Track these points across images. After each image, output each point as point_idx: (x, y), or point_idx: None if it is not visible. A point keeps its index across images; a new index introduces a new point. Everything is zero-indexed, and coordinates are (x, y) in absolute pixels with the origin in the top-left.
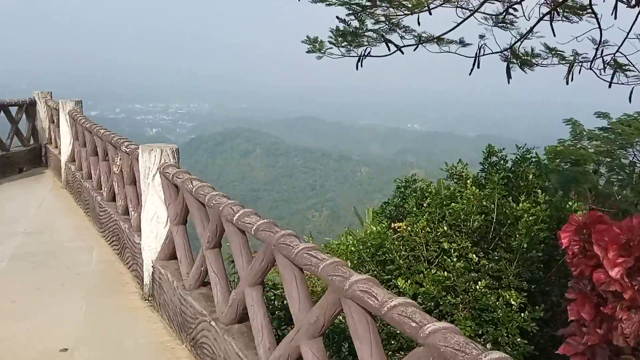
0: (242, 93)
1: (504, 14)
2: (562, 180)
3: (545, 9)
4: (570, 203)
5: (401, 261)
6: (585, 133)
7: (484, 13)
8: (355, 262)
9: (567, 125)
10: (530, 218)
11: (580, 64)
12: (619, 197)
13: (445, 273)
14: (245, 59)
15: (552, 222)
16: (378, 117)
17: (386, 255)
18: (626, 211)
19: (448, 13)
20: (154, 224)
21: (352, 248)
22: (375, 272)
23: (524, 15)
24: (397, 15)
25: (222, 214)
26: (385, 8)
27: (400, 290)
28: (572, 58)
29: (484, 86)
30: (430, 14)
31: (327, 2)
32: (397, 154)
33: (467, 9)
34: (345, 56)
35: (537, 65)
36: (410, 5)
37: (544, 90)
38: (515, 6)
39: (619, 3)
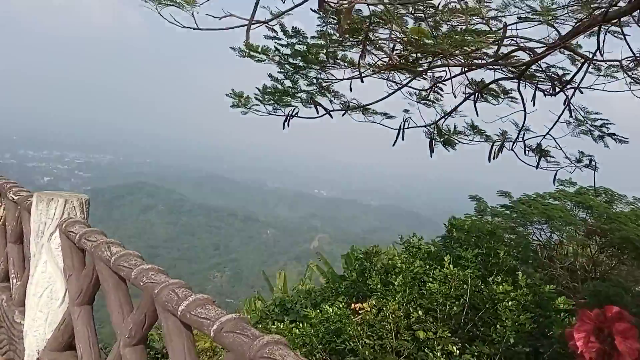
0: (150, 147)
1: (429, 91)
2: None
3: (470, 90)
4: (546, 287)
5: (367, 353)
6: (489, 209)
7: (411, 87)
8: (303, 350)
9: (472, 202)
10: (511, 303)
11: (500, 144)
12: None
13: None
14: (159, 114)
15: (535, 309)
16: (286, 181)
17: (346, 344)
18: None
19: (378, 84)
20: (45, 300)
21: (297, 331)
22: None
23: (452, 92)
24: (328, 80)
25: (159, 299)
26: (318, 72)
27: None
28: (496, 138)
29: (392, 159)
30: (362, 81)
31: (258, 59)
32: (303, 217)
33: (396, 82)
34: (271, 114)
35: (457, 143)
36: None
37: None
38: (440, 85)
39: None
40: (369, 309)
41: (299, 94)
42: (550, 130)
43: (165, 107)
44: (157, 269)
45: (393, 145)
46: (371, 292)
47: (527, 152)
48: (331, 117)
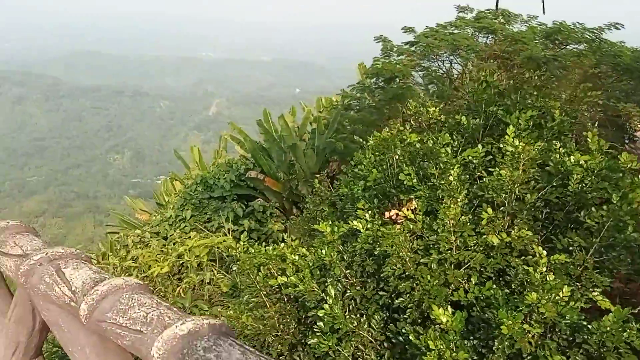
0: (2, 30)
1: None
2: (388, 97)
3: None
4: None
5: (426, 277)
6: (395, 49)
7: None
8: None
9: (377, 43)
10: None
11: None
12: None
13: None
14: None
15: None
16: (166, 48)
17: (391, 267)
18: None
19: None
20: None
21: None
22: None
23: None
24: None
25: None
26: None
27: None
28: None
29: (269, 11)
30: None
31: None
32: (195, 84)
33: None
34: None
35: None
36: None
37: (325, 14)
38: None
39: None
40: (413, 214)
41: None
42: None
43: None
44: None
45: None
46: (403, 191)
47: None
48: None
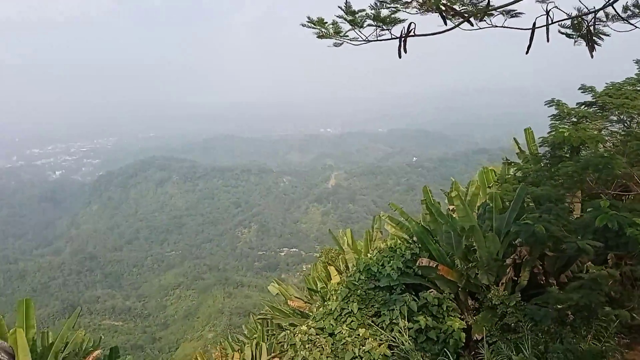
0: (150, 120)
1: None
2: (579, 168)
3: None
4: None
5: None
6: (573, 112)
7: None
8: None
9: (549, 107)
10: None
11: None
12: None
13: None
14: (151, 84)
15: None
16: (291, 127)
17: None
18: None
19: None
20: None
21: None
22: None
23: None
24: None
25: None
26: None
27: None
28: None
29: (383, 90)
30: None
31: None
32: (315, 159)
33: None
34: (370, 41)
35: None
36: None
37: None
38: None
39: None
40: None
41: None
42: None
43: (153, 77)
44: None
45: (527, 52)
46: None
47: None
48: (471, 24)
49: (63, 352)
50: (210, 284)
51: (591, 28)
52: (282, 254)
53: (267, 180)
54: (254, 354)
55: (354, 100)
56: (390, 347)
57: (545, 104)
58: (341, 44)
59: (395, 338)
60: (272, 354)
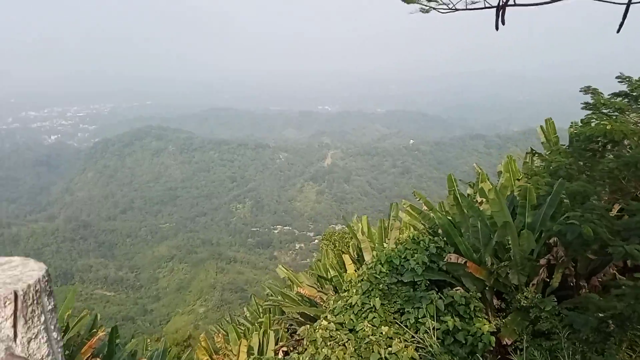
0: (145, 89)
1: None
2: (621, 164)
3: None
4: None
5: None
6: (609, 103)
7: None
8: None
9: (584, 95)
10: None
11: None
12: None
13: None
14: (151, 55)
15: None
16: (289, 103)
17: None
18: None
19: None
20: None
21: None
22: None
23: None
24: None
25: None
26: None
27: None
28: None
29: (381, 64)
30: None
31: None
32: (312, 136)
33: None
34: (459, 9)
35: None
36: None
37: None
38: None
39: None
40: None
41: None
42: None
43: (155, 47)
44: None
45: (618, 31)
46: None
47: None
48: None
49: (65, 334)
50: (203, 258)
51: None
52: (276, 231)
53: (264, 155)
54: (262, 342)
55: (353, 76)
56: (416, 348)
57: (581, 91)
58: (428, 11)
59: (422, 339)
60: (280, 344)
